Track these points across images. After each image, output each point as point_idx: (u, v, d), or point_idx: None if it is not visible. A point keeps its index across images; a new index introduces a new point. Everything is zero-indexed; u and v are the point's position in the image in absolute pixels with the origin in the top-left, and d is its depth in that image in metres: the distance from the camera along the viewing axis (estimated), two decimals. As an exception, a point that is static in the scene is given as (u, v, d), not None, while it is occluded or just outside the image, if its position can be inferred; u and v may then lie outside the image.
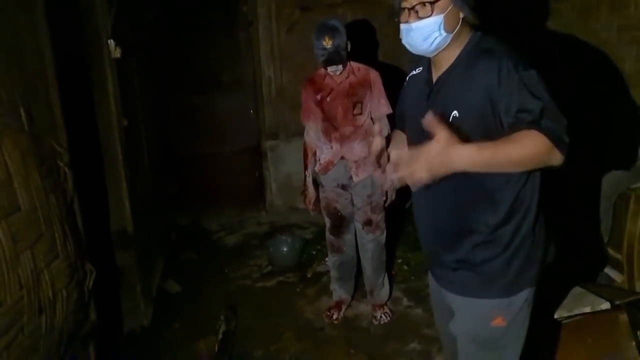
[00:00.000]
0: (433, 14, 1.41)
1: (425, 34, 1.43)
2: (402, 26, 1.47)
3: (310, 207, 3.06)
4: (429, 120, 1.29)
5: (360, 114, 2.82)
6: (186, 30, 4.57)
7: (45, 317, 1.54)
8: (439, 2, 1.40)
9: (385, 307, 3.10)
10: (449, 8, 1.42)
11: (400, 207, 4.16)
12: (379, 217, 2.97)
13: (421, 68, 1.63)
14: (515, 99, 1.34)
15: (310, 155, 2.98)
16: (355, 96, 2.79)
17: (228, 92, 4.79)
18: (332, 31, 2.61)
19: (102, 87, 2.74)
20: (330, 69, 2.71)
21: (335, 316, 3.09)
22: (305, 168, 3.02)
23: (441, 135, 1.27)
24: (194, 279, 3.69)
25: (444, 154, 1.26)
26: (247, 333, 2.98)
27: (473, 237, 1.51)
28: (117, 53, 2.78)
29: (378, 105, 2.83)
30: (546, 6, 3.25)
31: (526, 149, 1.30)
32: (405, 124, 1.70)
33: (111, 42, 2.74)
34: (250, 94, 4.80)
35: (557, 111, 1.34)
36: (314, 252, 3.91)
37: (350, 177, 2.90)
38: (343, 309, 3.14)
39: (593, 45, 2.96)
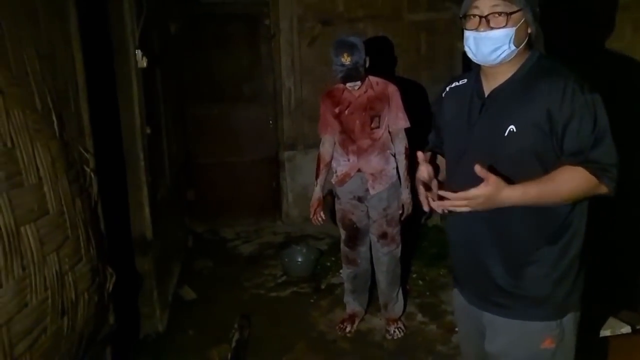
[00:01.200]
0: (507, 26, 1.38)
1: (495, 45, 1.40)
2: (469, 33, 1.44)
3: (313, 215, 3.03)
4: (479, 169, 1.32)
5: (378, 127, 2.85)
6: (209, 42, 4.65)
7: (67, 319, 1.57)
8: (514, 15, 1.38)
9: (399, 322, 3.09)
10: (521, 22, 1.40)
11: (416, 221, 4.16)
12: (394, 231, 2.97)
13: (466, 80, 1.60)
14: (575, 123, 1.35)
15: (322, 166, 3.02)
16: (372, 110, 2.83)
17: (248, 103, 4.85)
18: (350, 48, 2.64)
19: (127, 95, 2.81)
20: (348, 84, 2.75)
21: (348, 329, 3.09)
22: (316, 178, 3.06)
23: (491, 179, 1.32)
24: (209, 287, 3.72)
25: (493, 198, 1.34)
26: (260, 342, 3.00)
27: (518, 256, 1.48)
28: (143, 63, 2.85)
29: (396, 119, 2.86)
30: (567, 25, 3.24)
31: (572, 186, 1.36)
32: (444, 137, 1.67)
33: (138, 52, 2.80)
34: (269, 105, 4.86)
35: (611, 142, 1.36)
36: (329, 264, 3.92)
37: (367, 190, 2.92)
38: (356, 322, 3.14)
39: (617, 64, 2.94)
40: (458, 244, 1.63)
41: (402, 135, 2.89)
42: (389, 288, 3.06)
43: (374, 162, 2.88)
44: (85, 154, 1.90)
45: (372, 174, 2.90)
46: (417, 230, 4.15)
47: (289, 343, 2.98)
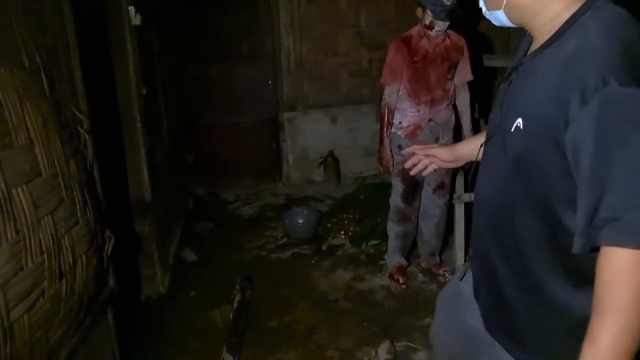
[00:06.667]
0: None
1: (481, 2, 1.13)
2: None
3: (388, 168, 2.98)
4: None
5: (451, 78, 2.87)
6: (205, -1, 4.51)
7: (66, 282, 1.56)
8: None
9: (443, 266, 3.23)
10: None
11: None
12: (450, 181, 3.03)
13: None
14: (582, 157, 0.88)
15: (391, 117, 2.92)
16: (449, 60, 2.83)
17: (246, 63, 4.74)
18: None
19: (121, 54, 2.73)
20: (437, 27, 2.69)
21: (401, 281, 3.12)
22: (383, 130, 2.92)
23: None
24: (211, 249, 3.73)
25: None
26: (261, 303, 3.01)
27: (518, 293, 1.11)
28: (137, 20, 2.75)
29: (464, 71, 2.89)
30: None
31: (625, 294, 0.86)
32: None
33: (131, 8, 2.71)
34: (268, 65, 4.75)
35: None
36: (330, 225, 3.91)
37: (436, 139, 2.94)
38: (404, 273, 3.18)
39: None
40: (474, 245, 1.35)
41: (467, 87, 2.95)
42: (437, 239, 3.17)
43: (442, 112, 2.92)
44: (79, 114, 1.84)
45: (441, 124, 2.93)
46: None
47: (290, 303, 3.00)
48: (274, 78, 4.77)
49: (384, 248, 3.37)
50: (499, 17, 1.10)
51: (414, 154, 1.57)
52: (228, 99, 4.76)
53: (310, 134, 4.78)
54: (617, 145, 0.84)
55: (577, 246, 0.90)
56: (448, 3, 2.59)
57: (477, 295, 1.29)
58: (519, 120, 1.00)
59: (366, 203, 4.03)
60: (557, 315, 1.04)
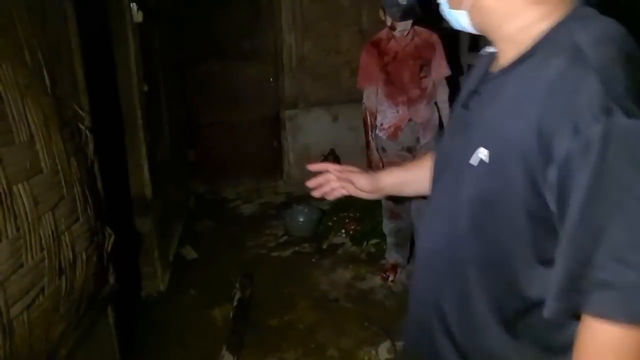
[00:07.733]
0: None
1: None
2: None
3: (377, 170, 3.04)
4: None
5: (426, 76, 2.86)
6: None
7: (66, 279, 1.55)
8: None
9: None
10: None
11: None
12: None
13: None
14: (571, 201, 0.71)
15: (373, 121, 2.97)
16: (421, 58, 2.83)
17: (248, 60, 4.74)
18: None
19: (123, 51, 2.72)
20: (398, 30, 2.72)
21: (391, 278, 3.14)
22: (368, 133, 2.98)
23: None
24: (211, 247, 3.72)
25: None
26: (262, 301, 3.01)
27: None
28: (139, 17, 2.75)
29: (439, 67, 2.87)
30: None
31: None
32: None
33: (133, 5, 2.70)
34: (270, 63, 4.74)
35: None
36: (331, 224, 3.91)
37: (417, 139, 2.94)
38: (398, 272, 3.18)
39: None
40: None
41: (444, 83, 2.92)
42: None
43: (422, 111, 2.91)
44: (80, 111, 1.83)
45: (421, 123, 2.92)
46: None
47: (291, 302, 3.00)
48: (276, 76, 4.76)
49: (385, 247, 3.37)
50: (459, 20, 0.91)
51: (326, 171, 1.32)
52: (229, 97, 4.75)
53: (311, 132, 4.77)
54: (620, 192, 0.67)
55: (551, 310, 0.74)
56: (404, 3, 2.60)
57: None
58: (484, 152, 0.82)
59: (367, 202, 3.99)
60: None
